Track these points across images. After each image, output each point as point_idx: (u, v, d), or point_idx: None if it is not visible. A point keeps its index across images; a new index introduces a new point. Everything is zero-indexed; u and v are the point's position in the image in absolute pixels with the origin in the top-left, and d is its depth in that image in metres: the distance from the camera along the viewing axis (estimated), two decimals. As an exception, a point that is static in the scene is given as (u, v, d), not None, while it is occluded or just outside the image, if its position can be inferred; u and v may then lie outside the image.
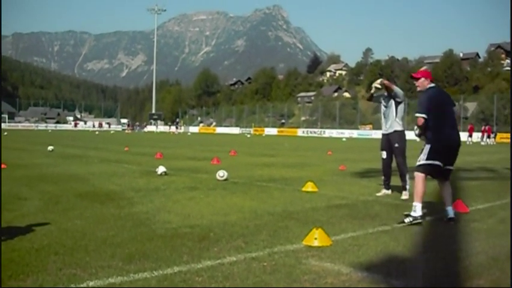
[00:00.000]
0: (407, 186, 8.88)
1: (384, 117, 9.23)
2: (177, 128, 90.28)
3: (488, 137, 49.68)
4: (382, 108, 9.27)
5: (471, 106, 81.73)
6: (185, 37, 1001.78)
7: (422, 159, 6.65)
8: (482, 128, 52.07)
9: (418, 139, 7.37)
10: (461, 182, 8.74)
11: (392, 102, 9.05)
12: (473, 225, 6.39)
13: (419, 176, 6.64)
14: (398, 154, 9.00)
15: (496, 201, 8.46)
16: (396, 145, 8.98)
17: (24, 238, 5.14)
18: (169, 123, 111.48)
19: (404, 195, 8.81)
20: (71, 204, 7.48)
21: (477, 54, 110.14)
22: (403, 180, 8.95)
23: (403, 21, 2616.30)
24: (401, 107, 9.07)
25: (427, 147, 6.66)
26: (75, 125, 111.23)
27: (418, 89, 7.02)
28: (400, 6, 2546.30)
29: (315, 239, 5.10)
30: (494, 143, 48.83)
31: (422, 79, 6.98)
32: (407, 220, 6.37)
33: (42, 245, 4.87)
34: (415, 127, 6.92)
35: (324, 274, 4.14)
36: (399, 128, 9.06)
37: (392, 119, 9.04)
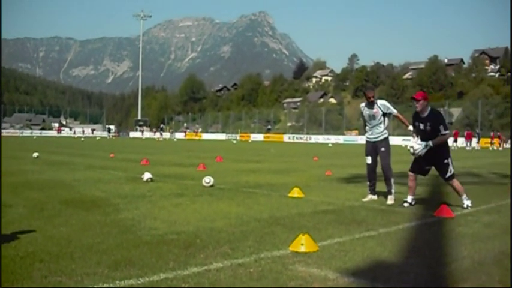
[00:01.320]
0: (393, 191, 8.87)
1: (369, 123, 9.12)
2: (161, 134, 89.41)
3: (470, 141, 49.11)
4: (367, 115, 9.12)
5: (456, 111, 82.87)
6: (171, 43, 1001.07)
7: (453, 170, 8.17)
8: (466, 132, 51.24)
9: (413, 152, 8.20)
10: (447, 187, 8.78)
11: (379, 110, 8.99)
12: (459, 230, 6.42)
13: (455, 181, 8.22)
14: (384, 158, 8.99)
15: (481, 205, 8.52)
16: (382, 149, 8.96)
17: (8, 245, 5.08)
18: (153, 129, 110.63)
19: (390, 200, 8.78)
20: (56, 211, 7.42)
21: (462, 60, 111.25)
22: (389, 184, 8.92)
23: (388, 27, 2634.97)
24: (388, 114, 9.05)
25: (450, 159, 8.15)
26: (59, 131, 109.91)
27: (418, 109, 8.03)
28: (386, 12, 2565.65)
29: (302, 244, 5.10)
30: (479, 148, 49.18)
31: (422, 101, 7.96)
32: (469, 208, 8.05)
33: (27, 253, 4.82)
34: (415, 145, 8.10)
35: (311, 280, 4.14)
36: (385, 134, 9.07)
37: (378, 125, 9.01)
